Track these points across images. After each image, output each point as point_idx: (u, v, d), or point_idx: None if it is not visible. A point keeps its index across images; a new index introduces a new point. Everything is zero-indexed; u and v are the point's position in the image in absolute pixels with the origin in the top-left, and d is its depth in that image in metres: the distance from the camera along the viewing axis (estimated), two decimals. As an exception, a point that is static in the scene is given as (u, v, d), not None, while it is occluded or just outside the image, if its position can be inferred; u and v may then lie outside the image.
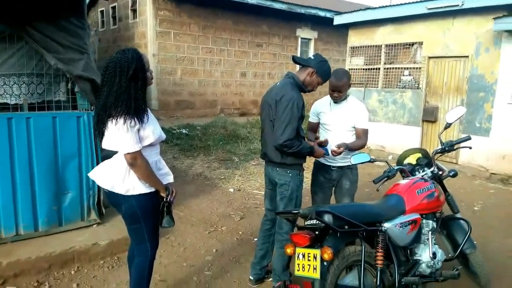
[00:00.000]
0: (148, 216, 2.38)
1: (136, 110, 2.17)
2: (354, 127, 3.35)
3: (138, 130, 2.21)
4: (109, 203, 2.43)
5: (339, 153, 3.17)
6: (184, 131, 9.51)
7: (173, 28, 11.79)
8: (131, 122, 2.15)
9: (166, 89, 11.85)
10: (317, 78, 2.98)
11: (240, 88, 13.62)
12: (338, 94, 3.26)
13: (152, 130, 2.28)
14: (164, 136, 2.46)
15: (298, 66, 3.18)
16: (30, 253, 3.28)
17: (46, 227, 3.63)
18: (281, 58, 14.39)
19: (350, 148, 3.25)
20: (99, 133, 2.27)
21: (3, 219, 3.44)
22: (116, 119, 2.14)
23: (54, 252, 3.35)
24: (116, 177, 2.30)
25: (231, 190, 5.80)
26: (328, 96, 3.42)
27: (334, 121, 3.36)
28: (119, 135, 2.16)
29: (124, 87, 2.16)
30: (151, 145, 2.32)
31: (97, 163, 3.81)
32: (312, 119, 3.54)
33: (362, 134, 3.35)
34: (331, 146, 3.25)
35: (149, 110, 2.34)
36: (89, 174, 2.44)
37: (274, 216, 3.20)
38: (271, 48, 14.10)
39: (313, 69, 2.95)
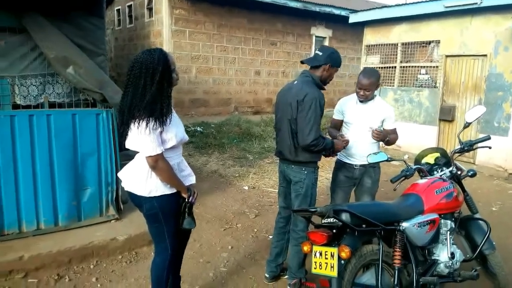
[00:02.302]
0: (170, 216, 2.40)
1: (159, 113, 2.17)
2: (380, 128, 3.31)
3: (161, 132, 2.21)
4: (132, 203, 2.46)
5: (377, 136, 3.20)
6: (198, 129, 9.57)
7: (188, 26, 11.86)
8: (153, 125, 2.14)
9: (181, 88, 11.93)
10: (332, 70, 3.00)
11: (254, 87, 13.64)
12: (365, 93, 3.22)
13: (175, 133, 2.28)
14: (186, 137, 2.46)
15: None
16: (50, 247, 3.36)
17: (66, 222, 3.70)
18: (295, 56, 14.35)
19: (388, 140, 3.30)
20: (123, 133, 2.27)
21: (25, 213, 3.52)
22: (139, 122, 2.14)
23: (74, 246, 3.42)
24: (138, 178, 2.32)
25: (246, 187, 5.82)
26: (355, 94, 3.38)
27: (358, 119, 3.32)
28: (141, 137, 2.17)
29: (149, 89, 2.15)
30: (173, 147, 2.32)
31: (116, 160, 3.88)
32: (337, 116, 3.49)
33: (393, 132, 3.40)
34: (353, 146, 3.26)
35: (173, 111, 2.35)
36: (118, 174, 2.47)
37: (288, 214, 3.22)
38: (285, 46, 14.07)
39: (326, 65, 2.95)
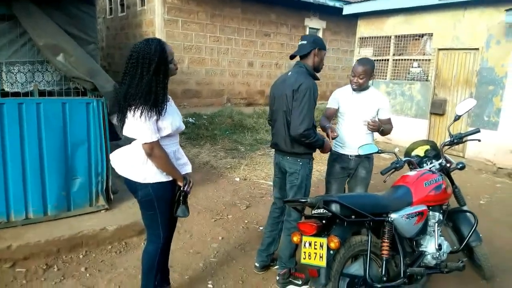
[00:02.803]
0: (164, 204, 2.41)
1: (154, 103, 2.20)
2: (374, 118, 3.33)
3: (156, 120, 2.23)
4: (127, 189, 2.46)
5: (373, 127, 3.22)
6: (191, 120, 9.52)
7: (181, 16, 11.73)
8: (149, 113, 2.17)
9: (173, 78, 11.69)
10: (322, 53, 3.03)
11: (247, 78, 13.57)
12: (358, 80, 3.23)
13: (170, 122, 2.30)
14: (183, 126, 2.48)
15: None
16: (39, 237, 3.33)
17: (55, 212, 3.68)
18: (288, 48, 14.28)
19: (382, 130, 3.32)
20: (120, 121, 2.30)
21: (13, 203, 3.49)
22: (135, 110, 2.17)
23: (63, 236, 3.40)
24: (134, 165, 2.33)
25: (237, 179, 5.82)
26: (350, 85, 3.38)
27: (353, 109, 3.33)
28: (137, 124, 2.20)
29: (145, 80, 2.18)
30: (169, 135, 2.34)
31: (106, 150, 3.85)
32: (331, 104, 3.47)
33: (387, 122, 3.41)
34: (348, 136, 3.27)
35: (171, 100, 2.38)
36: (110, 155, 2.47)
37: (283, 205, 3.23)
38: (279, 37, 14.00)
39: (314, 49, 2.97)
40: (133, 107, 2.18)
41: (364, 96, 3.33)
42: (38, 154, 3.53)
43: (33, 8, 3.41)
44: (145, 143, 2.22)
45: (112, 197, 4.05)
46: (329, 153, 3.53)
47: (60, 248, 3.36)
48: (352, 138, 3.32)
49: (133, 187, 2.38)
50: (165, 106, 2.27)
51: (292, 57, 3.12)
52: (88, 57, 3.72)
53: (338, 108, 3.44)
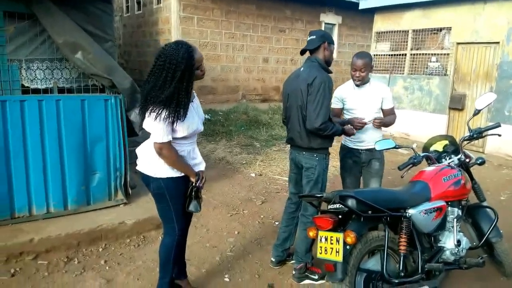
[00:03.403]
0: (176, 198, 2.45)
1: (175, 108, 2.23)
2: (380, 109, 3.37)
3: (173, 122, 2.26)
4: (141, 180, 2.52)
5: (379, 124, 3.27)
6: (206, 116, 9.57)
7: (197, 13, 11.78)
8: (167, 116, 2.21)
9: (189, 75, 11.87)
10: (331, 47, 3.04)
11: (262, 74, 13.55)
12: (360, 74, 3.24)
13: (187, 125, 2.33)
14: (201, 129, 2.50)
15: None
16: (60, 230, 3.41)
17: (75, 206, 3.76)
18: (304, 44, 14.08)
19: (385, 123, 3.34)
20: (141, 115, 2.35)
21: (35, 197, 3.58)
22: (153, 110, 2.21)
23: (83, 229, 3.47)
24: (147, 159, 2.41)
25: (253, 175, 5.84)
26: (350, 81, 3.40)
27: (359, 104, 3.35)
28: (152, 123, 2.25)
29: (168, 85, 2.20)
30: (185, 136, 2.37)
31: (124, 146, 3.92)
32: (336, 104, 3.50)
33: (391, 112, 3.43)
34: (361, 130, 3.29)
35: (195, 99, 2.43)
36: (136, 150, 2.52)
37: (298, 200, 3.24)
38: (294, 33, 13.92)
39: (324, 43, 2.98)
40: (152, 107, 2.22)
41: (367, 89, 3.35)
42: (58, 149, 3.61)
43: (52, 6, 3.48)
44: (156, 142, 2.28)
45: (130, 191, 4.11)
46: (340, 148, 3.57)
47: (80, 241, 3.44)
48: (361, 132, 3.32)
49: (146, 180, 2.45)
50: (186, 111, 2.30)
51: (302, 52, 3.13)
52: (106, 54, 3.78)
53: (343, 106, 3.45)
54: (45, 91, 3.74)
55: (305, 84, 2.87)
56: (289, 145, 3.25)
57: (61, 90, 3.82)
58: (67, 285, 2.95)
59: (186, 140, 2.42)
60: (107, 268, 3.20)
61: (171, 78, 2.20)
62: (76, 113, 3.66)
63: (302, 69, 3.04)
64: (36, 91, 3.70)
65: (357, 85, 3.33)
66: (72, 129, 3.65)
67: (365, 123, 3.21)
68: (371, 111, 3.32)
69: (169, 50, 2.24)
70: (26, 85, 3.64)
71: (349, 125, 3.18)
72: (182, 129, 2.31)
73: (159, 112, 2.20)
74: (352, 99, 3.38)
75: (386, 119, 3.38)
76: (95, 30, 3.78)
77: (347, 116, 3.46)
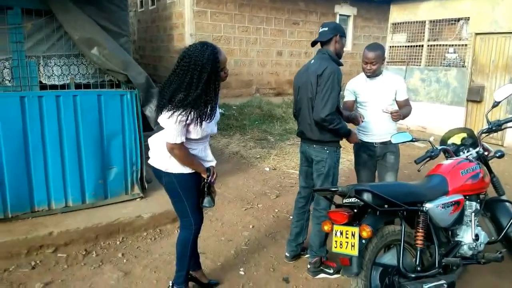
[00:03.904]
0: (188, 192, 2.48)
1: (198, 113, 2.23)
2: (394, 101, 3.32)
3: (188, 124, 2.26)
4: (153, 174, 2.56)
5: (397, 117, 3.23)
6: (220, 110, 9.59)
7: (210, 7, 11.77)
8: (185, 118, 2.21)
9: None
10: (343, 40, 3.02)
11: (276, 68, 13.49)
12: (371, 66, 3.20)
13: (202, 128, 2.33)
14: (215, 131, 2.51)
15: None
16: (78, 224, 3.48)
17: (93, 200, 3.83)
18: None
19: (403, 115, 3.29)
20: (158, 112, 2.35)
21: (54, 191, 3.65)
22: (173, 111, 2.21)
23: (101, 223, 3.53)
24: (159, 154, 2.43)
25: (267, 169, 5.85)
26: (362, 74, 3.37)
27: (372, 97, 3.31)
28: (168, 123, 2.25)
29: (195, 87, 2.20)
30: (198, 138, 2.38)
31: (140, 141, 3.96)
32: (348, 97, 3.47)
33: (405, 104, 3.37)
34: (371, 124, 3.24)
35: (218, 111, 2.41)
36: (148, 140, 2.55)
37: (307, 194, 3.24)
38: (308, 26, 13.80)
39: (335, 36, 2.96)
40: (173, 107, 2.21)
41: (379, 81, 3.30)
42: (75, 144, 3.67)
43: (68, 3, 3.52)
44: (168, 142, 2.29)
45: (146, 186, 4.17)
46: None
47: (98, 234, 3.50)
48: (375, 126, 3.30)
49: (158, 173, 2.48)
50: (214, 113, 2.31)
51: (313, 44, 3.11)
52: (121, 49, 3.82)
53: (356, 98, 3.41)
54: (62, 87, 3.80)
55: (315, 75, 2.85)
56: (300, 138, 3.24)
57: (78, 86, 3.87)
58: (85, 277, 3.01)
59: (199, 140, 2.43)
60: (124, 261, 3.26)
61: (197, 80, 2.20)
62: (93, 108, 3.71)
63: (312, 61, 3.02)
64: (53, 86, 3.76)
65: (369, 77, 3.29)
66: (89, 124, 3.70)
67: (363, 120, 3.18)
68: (384, 103, 3.28)
69: (194, 51, 2.23)
70: (43, 82, 3.70)
71: (355, 132, 3.11)
72: (197, 131, 2.32)
73: (180, 113, 2.20)
74: (364, 91, 3.34)
75: (403, 111, 3.32)
76: (110, 25, 3.82)
77: (359, 109, 3.42)
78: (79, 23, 3.57)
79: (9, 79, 3.57)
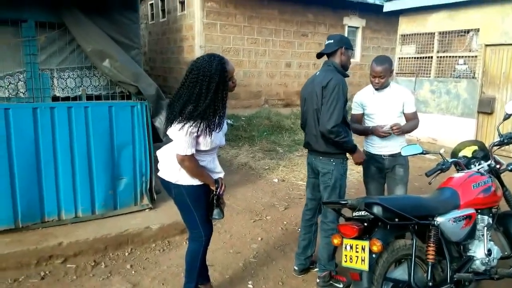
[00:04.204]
0: (198, 204, 2.48)
1: (207, 123, 2.26)
2: (401, 113, 3.29)
3: (198, 136, 2.29)
4: (162, 186, 2.56)
5: (398, 131, 3.18)
6: (229, 121, 9.63)
7: (220, 19, 11.91)
8: (196, 129, 2.23)
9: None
10: (348, 52, 3.03)
11: (284, 79, 13.55)
12: (379, 80, 3.19)
13: (211, 140, 2.35)
14: (223, 143, 2.53)
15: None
16: (88, 235, 3.50)
17: (102, 211, 3.84)
18: (327, 48, 14.10)
19: (404, 130, 3.25)
20: (168, 124, 2.37)
21: (64, 202, 3.68)
22: (183, 123, 2.23)
23: (110, 234, 3.54)
24: (168, 166, 2.44)
25: (276, 180, 5.83)
26: (370, 86, 3.35)
27: (379, 109, 3.29)
28: (178, 135, 2.27)
29: (204, 97, 2.23)
30: (207, 150, 2.40)
31: (149, 151, 3.99)
32: (356, 110, 3.45)
33: (413, 117, 3.33)
34: (379, 137, 3.23)
35: (225, 122, 2.43)
36: (157, 152, 2.57)
37: (314, 206, 3.22)
38: (317, 37, 13.87)
39: (341, 48, 2.97)
40: (183, 119, 2.23)
41: (387, 94, 3.28)
42: (86, 155, 3.70)
43: (81, 16, 3.59)
44: (178, 154, 2.30)
45: (155, 196, 4.18)
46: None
47: (107, 245, 3.51)
48: (383, 138, 3.26)
49: (167, 185, 2.49)
50: (222, 123, 2.33)
51: (319, 56, 3.13)
52: (132, 62, 3.87)
53: (363, 111, 3.40)
54: (74, 98, 3.85)
55: (320, 87, 2.86)
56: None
57: (89, 97, 3.92)
58: (94, 288, 3.01)
59: (208, 152, 2.44)
60: (133, 272, 3.25)
61: (206, 90, 2.23)
62: (104, 119, 3.75)
63: (318, 73, 3.05)
64: (65, 98, 3.82)
65: (376, 89, 3.28)
66: (99, 135, 3.74)
67: (389, 133, 3.17)
68: (392, 115, 3.25)
69: (201, 62, 2.26)
70: (57, 94, 3.76)
71: (361, 150, 3.10)
72: (206, 142, 2.34)
73: (189, 125, 2.22)
74: (372, 104, 3.33)
75: (406, 125, 3.28)
76: (122, 38, 3.88)
77: (367, 121, 3.41)
78: (91, 35, 3.64)
79: (23, 92, 3.63)
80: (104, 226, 3.68)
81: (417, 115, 3.37)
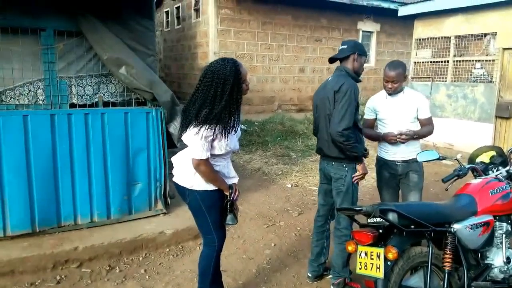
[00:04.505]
0: (212, 209, 2.48)
1: (223, 126, 2.27)
2: (415, 118, 3.22)
3: (213, 140, 2.30)
4: (177, 191, 2.58)
5: (405, 139, 3.13)
6: (242, 126, 9.66)
7: (234, 26, 11.99)
8: (211, 133, 2.25)
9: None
10: (362, 58, 3.01)
11: (298, 84, 13.54)
12: (393, 85, 3.14)
13: (226, 144, 2.36)
14: (237, 147, 2.53)
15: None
16: (103, 239, 3.54)
17: (117, 215, 3.89)
18: (341, 53, 14.05)
19: (418, 135, 3.19)
20: (183, 129, 2.39)
21: (80, 206, 3.73)
22: (199, 127, 2.24)
23: (125, 239, 3.58)
24: (183, 171, 2.46)
25: (289, 185, 5.81)
26: (383, 91, 3.31)
27: (393, 114, 3.24)
28: (194, 139, 2.28)
29: (219, 99, 2.25)
30: (221, 154, 2.41)
31: (164, 157, 4.02)
32: (368, 115, 3.41)
33: (427, 122, 3.25)
34: (392, 142, 3.19)
35: (239, 127, 2.44)
36: (171, 159, 2.59)
37: (326, 212, 3.20)
38: (331, 42, 13.84)
39: (354, 54, 2.94)
40: (199, 123, 2.24)
41: (400, 99, 3.23)
42: (102, 160, 3.76)
43: (98, 24, 3.67)
44: (194, 158, 2.31)
45: (169, 201, 4.21)
46: (376, 160, 3.47)
47: (122, 250, 3.54)
48: (396, 143, 3.21)
49: (182, 191, 2.50)
50: (237, 126, 2.35)
51: (331, 60, 3.12)
52: (148, 69, 3.92)
53: (376, 116, 3.36)
54: (91, 104, 3.92)
55: (332, 92, 2.85)
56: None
57: (105, 104, 3.99)
58: (109, 292, 3.04)
59: (222, 156, 2.45)
60: (147, 277, 3.27)
61: (221, 93, 2.25)
62: (120, 125, 3.80)
63: (330, 79, 3.04)
64: (81, 104, 3.89)
65: (390, 94, 3.23)
66: (115, 141, 3.79)
67: (400, 140, 3.13)
68: (404, 121, 3.20)
69: (216, 66, 2.29)
70: (75, 102, 3.83)
71: (365, 163, 3.01)
72: (221, 146, 2.34)
73: (205, 128, 2.23)
74: (385, 109, 3.28)
75: (420, 131, 3.22)
76: (138, 46, 3.94)
77: (380, 126, 3.37)
78: (108, 43, 3.71)
79: (42, 99, 3.71)
80: (119, 231, 3.72)
81: (432, 121, 3.30)
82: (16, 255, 3.22)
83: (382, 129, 3.35)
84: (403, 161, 3.23)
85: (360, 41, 14.29)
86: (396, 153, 3.24)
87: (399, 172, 3.28)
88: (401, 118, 3.21)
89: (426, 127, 3.26)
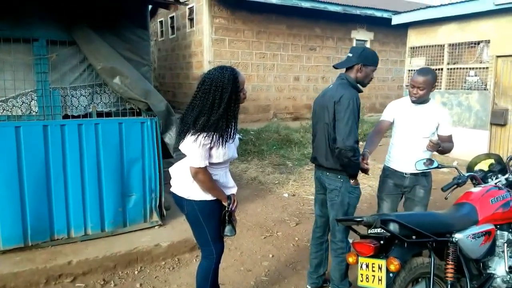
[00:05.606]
0: (210, 220, 2.43)
1: (220, 134, 2.24)
2: (432, 134, 3.07)
3: (211, 148, 2.27)
4: (174, 202, 2.53)
5: (432, 148, 2.94)
6: (238, 136, 9.61)
7: (228, 35, 12.02)
8: (209, 141, 2.21)
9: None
10: (368, 69, 2.86)
11: (293, 93, 13.57)
12: (418, 91, 3.00)
13: (224, 152, 2.32)
14: (235, 156, 2.50)
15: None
16: (97, 253, 3.46)
17: (112, 228, 3.81)
18: (335, 61, 14.04)
19: (443, 149, 3.02)
20: (180, 138, 2.35)
21: (73, 219, 3.65)
22: (197, 135, 2.21)
23: (119, 252, 3.50)
24: (181, 181, 2.41)
25: (286, 195, 5.76)
26: (407, 97, 3.16)
27: (412, 124, 3.08)
28: (192, 147, 2.25)
29: (217, 107, 2.22)
30: (219, 163, 2.37)
31: (159, 168, 3.96)
32: (386, 117, 3.23)
33: (448, 140, 3.12)
34: (403, 152, 3.11)
35: (236, 136, 2.41)
36: (169, 169, 2.54)
37: (324, 223, 3.12)
38: (325, 51, 13.92)
39: (358, 64, 2.82)
40: (196, 131, 2.21)
41: (423, 110, 3.08)
42: (96, 172, 3.69)
43: (92, 33, 3.63)
44: (192, 167, 2.28)
45: (165, 213, 4.14)
46: (382, 170, 3.37)
47: (116, 263, 3.46)
48: (407, 154, 3.08)
49: (180, 201, 2.45)
50: (234, 134, 2.32)
51: (335, 67, 3.02)
52: (142, 78, 3.88)
53: (393, 121, 3.22)
54: (84, 115, 3.86)
55: (332, 101, 2.76)
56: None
57: (99, 114, 3.93)
58: (103, 308, 2.96)
59: (220, 165, 2.41)
60: (142, 291, 3.20)
61: (219, 100, 2.22)
62: (114, 136, 3.74)
63: (330, 86, 2.96)
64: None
65: (414, 102, 3.09)
66: (109, 152, 3.73)
67: (367, 168, 2.90)
68: (421, 134, 3.04)
69: (214, 73, 2.26)
70: (70, 113, 3.77)
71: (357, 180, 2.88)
72: (219, 154, 2.31)
73: (203, 136, 2.20)
74: (404, 116, 3.13)
75: (444, 145, 3.03)
76: (132, 55, 3.91)
77: (393, 132, 3.24)
78: (102, 53, 3.67)
79: (36, 110, 3.65)
80: (114, 243, 3.64)
81: (452, 139, 3.14)
82: (8, 270, 3.13)
83: (394, 135, 3.23)
84: (412, 174, 3.10)
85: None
86: (405, 164, 3.10)
87: (405, 185, 3.15)
88: (419, 130, 3.06)
89: (447, 144, 3.11)
